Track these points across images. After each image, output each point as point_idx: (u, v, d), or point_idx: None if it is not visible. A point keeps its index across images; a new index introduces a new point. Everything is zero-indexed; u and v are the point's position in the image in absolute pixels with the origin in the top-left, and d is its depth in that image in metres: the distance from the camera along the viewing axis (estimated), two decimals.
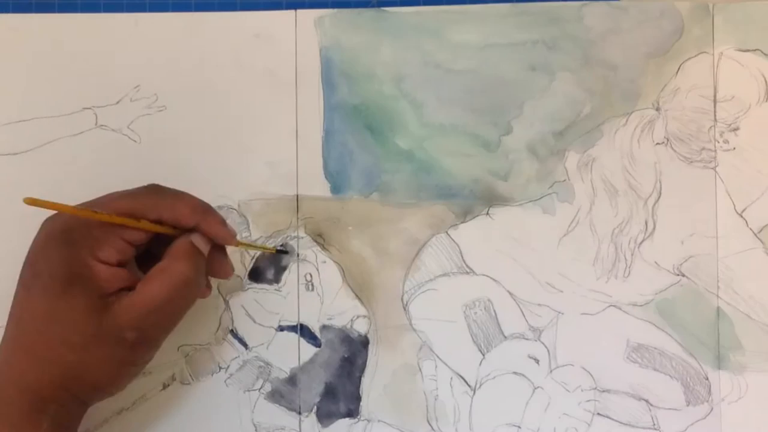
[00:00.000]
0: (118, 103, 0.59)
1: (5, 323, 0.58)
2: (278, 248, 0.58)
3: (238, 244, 0.53)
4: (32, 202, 0.44)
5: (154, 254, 0.50)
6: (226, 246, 0.52)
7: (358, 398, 0.58)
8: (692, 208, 0.59)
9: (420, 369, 0.58)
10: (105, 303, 0.46)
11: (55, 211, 0.47)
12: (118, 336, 0.46)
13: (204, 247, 0.50)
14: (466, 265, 0.59)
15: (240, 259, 0.59)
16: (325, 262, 0.59)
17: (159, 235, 0.50)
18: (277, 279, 0.59)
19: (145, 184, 0.50)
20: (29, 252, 0.48)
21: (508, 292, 0.59)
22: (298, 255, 0.59)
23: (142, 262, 0.51)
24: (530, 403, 0.58)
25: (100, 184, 0.59)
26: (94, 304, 0.46)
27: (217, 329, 0.58)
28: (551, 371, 0.58)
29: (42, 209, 0.45)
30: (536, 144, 0.60)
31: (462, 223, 0.59)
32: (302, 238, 0.59)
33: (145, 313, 0.46)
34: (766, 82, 0.59)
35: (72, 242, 0.47)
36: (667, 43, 0.60)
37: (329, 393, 0.58)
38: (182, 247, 0.49)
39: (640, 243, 0.59)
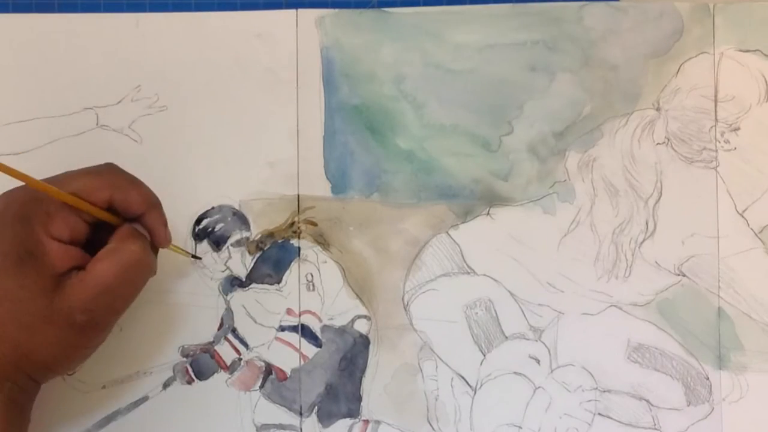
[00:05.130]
0: (119, 103, 0.59)
1: None
2: (192, 255, 0.58)
3: (168, 247, 0.54)
4: None
5: (99, 244, 0.50)
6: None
7: (359, 398, 0.58)
8: (693, 208, 0.59)
9: (421, 369, 0.58)
10: (57, 282, 0.46)
11: (13, 185, 0.47)
12: (68, 318, 0.45)
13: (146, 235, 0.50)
14: (467, 265, 0.59)
15: (240, 260, 0.59)
16: (325, 262, 0.59)
17: (106, 225, 0.49)
18: (278, 279, 0.59)
19: (105, 164, 0.51)
20: None
21: (509, 292, 0.59)
22: (299, 255, 0.59)
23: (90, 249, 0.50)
24: (531, 404, 0.58)
25: None
26: (45, 284, 0.45)
27: (218, 329, 0.58)
28: (552, 371, 0.58)
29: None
30: (537, 144, 0.60)
31: (462, 223, 0.59)
32: (303, 238, 0.59)
33: (96, 294, 0.46)
34: (766, 82, 0.59)
35: (25, 218, 0.46)
36: (667, 43, 0.60)
37: (330, 393, 0.58)
38: (129, 230, 0.49)
39: (641, 243, 0.59)
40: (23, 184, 0.46)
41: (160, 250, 0.52)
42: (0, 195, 0.48)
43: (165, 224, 0.51)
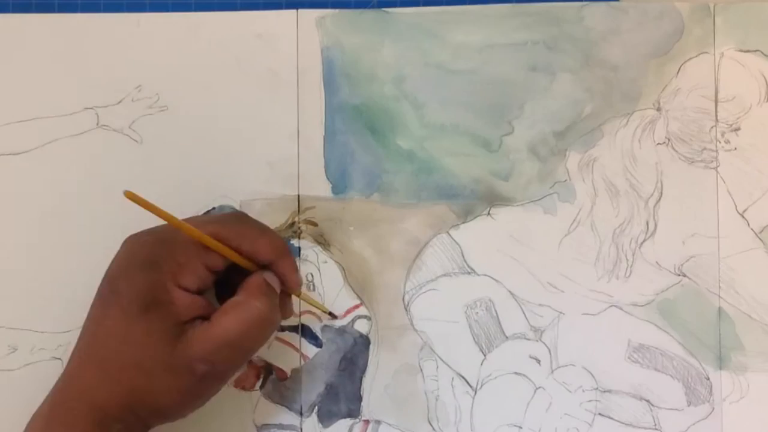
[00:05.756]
0: (119, 103, 0.59)
1: (7, 323, 0.58)
2: (330, 312, 0.58)
3: (300, 294, 0.54)
4: (131, 196, 0.44)
5: (226, 285, 0.50)
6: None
7: (359, 398, 0.58)
8: (693, 208, 0.59)
9: (421, 369, 0.58)
10: (180, 330, 0.46)
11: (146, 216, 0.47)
12: (188, 366, 0.46)
13: (276, 287, 0.50)
14: (468, 265, 0.59)
15: None
16: (326, 262, 0.59)
17: (234, 267, 0.50)
18: None
19: (232, 213, 0.52)
20: (110, 268, 0.48)
21: (510, 292, 0.59)
22: (299, 255, 0.59)
23: (216, 292, 0.51)
24: (532, 404, 0.58)
25: (102, 184, 0.59)
26: (169, 331, 0.46)
27: None
28: (552, 371, 0.58)
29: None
30: (537, 144, 0.60)
31: (463, 223, 0.59)
32: (303, 238, 0.59)
33: (218, 346, 0.46)
34: (766, 82, 0.59)
35: (155, 266, 0.47)
36: (667, 43, 0.60)
37: (330, 393, 0.58)
38: (257, 282, 0.49)
39: (642, 243, 0.59)
40: (150, 227, 0.48)
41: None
42: (130, 236, 0.49)
43: (296, 269, 0.51)
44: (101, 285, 0.48)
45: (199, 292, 0.48)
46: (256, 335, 0.48)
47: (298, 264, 0.53)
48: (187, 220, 0.49)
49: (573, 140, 0.60)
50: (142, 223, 0.59)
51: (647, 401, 0.58)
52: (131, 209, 0.59)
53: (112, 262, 0.48)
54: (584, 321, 0.59)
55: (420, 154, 0.60)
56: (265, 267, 0.50)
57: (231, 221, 0.50)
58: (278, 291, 0.50)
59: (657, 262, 0.59)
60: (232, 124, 0.59)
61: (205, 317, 0.47)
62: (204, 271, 0.48)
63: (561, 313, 0.59)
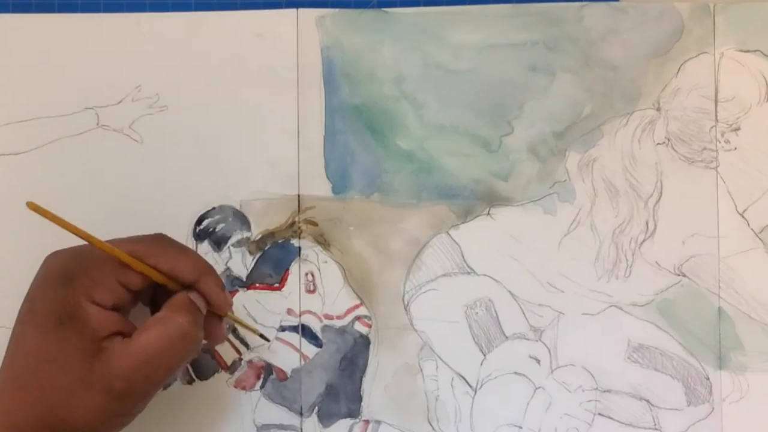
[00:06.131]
0: (119, 103, 0.59)
1: (8, 323, 0.58)
2: (261, 334, 0.56)
3: (230, 316, 0.52)
4: (34, 207, 0.44)
5: (156, 308, 0.49)
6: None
7: (359, 398, 0.58)
8: (693, 208, 0.59)
9: (421, 369, 0.58)
10: (97, 347, 0.45)
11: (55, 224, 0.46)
12: (106, 384, 0.44)
13: (202, 307, 0.49)
14: (467, 265, 0.59)
15: (241, 260, 0.59)
16: (326, 262, 0.59)
17: (161, 289, 0.49)
18: (278, 279, 0.59)
19: (153, 233, 0.50)
20: (29, 288, 0.48)
21: (510, 292, 0.59)
22: (299, 255, 0.59)
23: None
24: (531, 404, 0.58)
25: (102, 184, 0.59)
26: (85, 347, 0.45)
27: None
28: (552, 371, 0.58)
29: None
30: (537, 144, 0.60)
31: (463, 223, 0.59)
32: (303, 238, 0.59)
33: (139, 363, 0.45)
34: (766, 82, 0.59)
35: (68, 281, 0.46)
36: (667, 43, 0.60)
37: (330, 393, 0.58)
38: (181, 300, 0.48)
39: (641, 243, 0.59)
40: (70, 246, 0.47)
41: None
42: (48, 255, 0.48)
43: (222, 288, 0.50)
44: (22, 304, 0.47)
45: (116, 309, 0.47)
46: (178, 351, 0.46)
47: (224, 284, 0.52)
48: (108, 241, 0.48)
49: (573, 140, 0.60)
50: (142, 222, 0.59)
51: (647, 401, 0.58)
52: (131, 209, 0.59)
53: (32, 280, 0.48)
54: (584, 321, 0.59)
55: (420, 154, 0.60)
56: (189, 288, 0.49)
57: (149, 240, 0.49)
58: (203, 311, 0.49)
59: (657, 262, 0.59)
60: (232, 124, 0.59)
61: (126, 334, 0.46)
62: (119, 289, 0.47)
63: (561, 313, 0.59)
